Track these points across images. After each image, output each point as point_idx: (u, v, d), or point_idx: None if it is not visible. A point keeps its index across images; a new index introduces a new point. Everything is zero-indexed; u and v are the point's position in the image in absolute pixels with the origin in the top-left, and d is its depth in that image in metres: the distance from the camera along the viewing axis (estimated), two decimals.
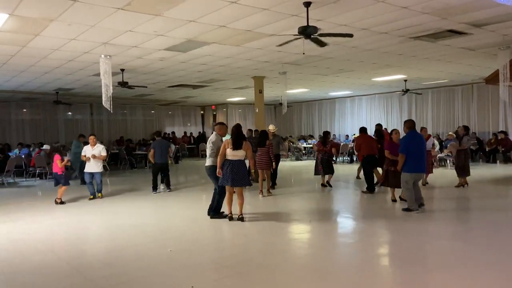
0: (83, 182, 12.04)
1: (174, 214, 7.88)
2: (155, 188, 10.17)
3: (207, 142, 7.17)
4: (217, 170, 6.72)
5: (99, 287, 4.19)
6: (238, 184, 6.70)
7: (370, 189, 9.27)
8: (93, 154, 9.20)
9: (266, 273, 4.48)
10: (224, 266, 4.72)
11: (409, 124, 7.40)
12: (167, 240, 5.90)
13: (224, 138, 9.79)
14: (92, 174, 9.34)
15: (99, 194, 9.52)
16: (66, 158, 9.03)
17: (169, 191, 10.22)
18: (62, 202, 8.78)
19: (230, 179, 6.59)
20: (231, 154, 6.64)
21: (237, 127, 6.81)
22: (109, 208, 8.52)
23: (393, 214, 7.34)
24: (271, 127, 10.56)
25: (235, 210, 6.95)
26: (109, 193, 9.99)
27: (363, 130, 10.15)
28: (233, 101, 23.25)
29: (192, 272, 4.51)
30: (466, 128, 10.11)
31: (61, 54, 9.17)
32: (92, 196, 9.35)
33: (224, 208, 7.11)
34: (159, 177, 10.29)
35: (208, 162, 7.08)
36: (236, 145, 6.61)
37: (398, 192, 8.18)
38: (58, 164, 8.74)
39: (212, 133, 7.46)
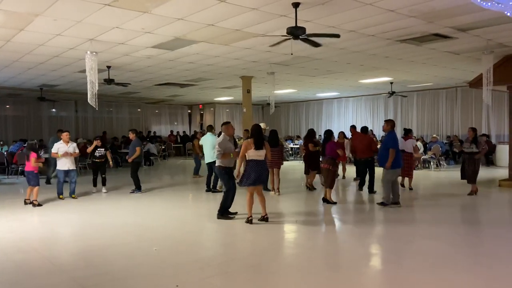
0: (49, 182, 11.60)
1: (160, 213, 7.82)
2: (140, 187, 10.03)
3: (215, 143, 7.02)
4: (236, 172, 6.55)
5: (82, 286, 4.13)
6: (262, 183, 6.75)
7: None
8: (69, 151, 8.93)
9: (253, 273, 4.49)
10: (210, 266, 4.71)
11: (392, 124, 8.16)
12: (152, 239, 5.86)
13: (210, 138, 9.78)
14: (67, 172, 9.02)
15: (73, 196, 9.14)
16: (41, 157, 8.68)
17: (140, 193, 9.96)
18: (39, 204, 8.29)
19: (253, 179, 6.46)
20: (255, 155, 6.52)
21: (258, 127, 6.75)
22: (94, 207, 8.41)
23: (379, 215, 7.43)
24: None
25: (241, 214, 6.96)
26: (93, 192, 9.86)
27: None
28: (221, 101, 23.21)
29: (178, 271, 4.49)
30: (475, 130, 9.32)
31: (46, 50, 9.02)
32: (62, 196, 8.98)
33: (227, 210, 7.05)
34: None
35: (217, 162, 7.02)
36: (259, 145, 6.54)
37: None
38: (32, 162, 8.27)
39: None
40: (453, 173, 13.15)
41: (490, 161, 15.44)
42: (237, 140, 12.36)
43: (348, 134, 12.62)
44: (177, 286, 4.03)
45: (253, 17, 6.78)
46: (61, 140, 9.14)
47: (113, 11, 6.37)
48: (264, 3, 6.14)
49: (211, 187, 9.92)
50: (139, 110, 24.16)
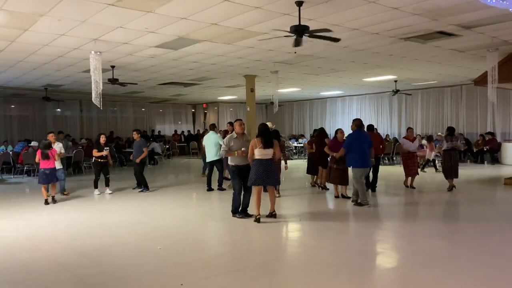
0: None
1: (164, 212, 7.84)
2: (147, 186, 10.09)
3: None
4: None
5: (86, 285, 4.15)
6: (271, 183, 6.69)
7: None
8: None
9: (257, 271, 4.49)
10: (214, 264, 4.71)
11: (357, 123, 8.15)
12: (156, 238, 5.87)
13: (212, 137, 9.78)
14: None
15: (65, 192, 9.49)
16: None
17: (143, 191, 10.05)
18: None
19: (262, 179, 6.50)
20: (262, 154, 6.52)
21: (265, 125, 6.76)
22: (98, 206, 8.46)
23: (381, 214, 7.41)
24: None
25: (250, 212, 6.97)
26: (98, 194, 9.89)
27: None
28: (225, 100, 23.22)
29: (182, 270, 4.50)
30: (449, 129, 9.86)
31: (51, 50, 9.06)
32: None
33: (245, 209, 7.03)
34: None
35: (228, 160, 6.98)
36: (266, 144, 6.53)
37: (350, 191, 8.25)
38: (56, 158, 8.59)
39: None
40: None
41: (496, 159, 15.34)
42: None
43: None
44: (182, 285, 4.05)
45: (256, 15, 6.78)
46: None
47: (116, 11, 6.38)
48: (267, 2, 6.13)
49: (213, 186, 9.92)
50: (143, 109, 24.22)
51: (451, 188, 9.49)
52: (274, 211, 6.84)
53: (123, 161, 16.76)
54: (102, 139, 9.72)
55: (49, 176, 8.48)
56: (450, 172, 9.52)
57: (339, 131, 9.01)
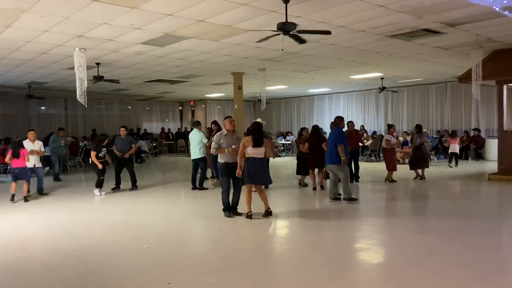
0: (57, 178, 11.78)
1: (151, 211, 7.77)
2: (135, 184, 10.03)
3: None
4: (237, 170, 6.52)
5: (71, 285, 4.09)
6: (261, 182, 6.63)
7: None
8: (35, 149, 9.14)
9: (244, 269, 4.49)
10: (202, 262, 4.69)
11: (334, 121, 8.39)
12: (143, 237, 5.82)
13: (196, 135, 9.70)
14: (33, 170, 9.16)
15: (44, 193, 9.38)
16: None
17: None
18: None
19: (252, 177, 6.46)
20: (254, 152, 6.47)
21: (258, 124, 6.71)
22: (83, 205, 8.34)
23: (368, 210, 7.46)
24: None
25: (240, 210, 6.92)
26: (84, 190, 9.77)
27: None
28: (212, 97, 23.14)
29: (169, 269, 4.47)
30: (417, 126, 11.06)
31: (34, 47, 8.89)
32: (28, 193, 8.86)
33: (234, 207, 6.96)
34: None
35: (218, 158, 6.97)
36: (257, 143, 6.48)
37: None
38: (27, 159, 8.58)
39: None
40: (442, 168, 13.27)
41: (480, 155, 15.59)
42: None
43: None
44: (169, 283, 4.02)
45: (243, 12, 6.75)
46: (28, 139, 9.33)
47: (101, 7, 6.28)
48: None
49: (197, 184, 9.87)
50: (129, 107, 23.97)
51: (417, 177, 10.63)
52: (269, 208, 6.75)
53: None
54: (105, 143, 9.51)
55: (18, 175, 8.57)
56: (419, 163, 10.62)
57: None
